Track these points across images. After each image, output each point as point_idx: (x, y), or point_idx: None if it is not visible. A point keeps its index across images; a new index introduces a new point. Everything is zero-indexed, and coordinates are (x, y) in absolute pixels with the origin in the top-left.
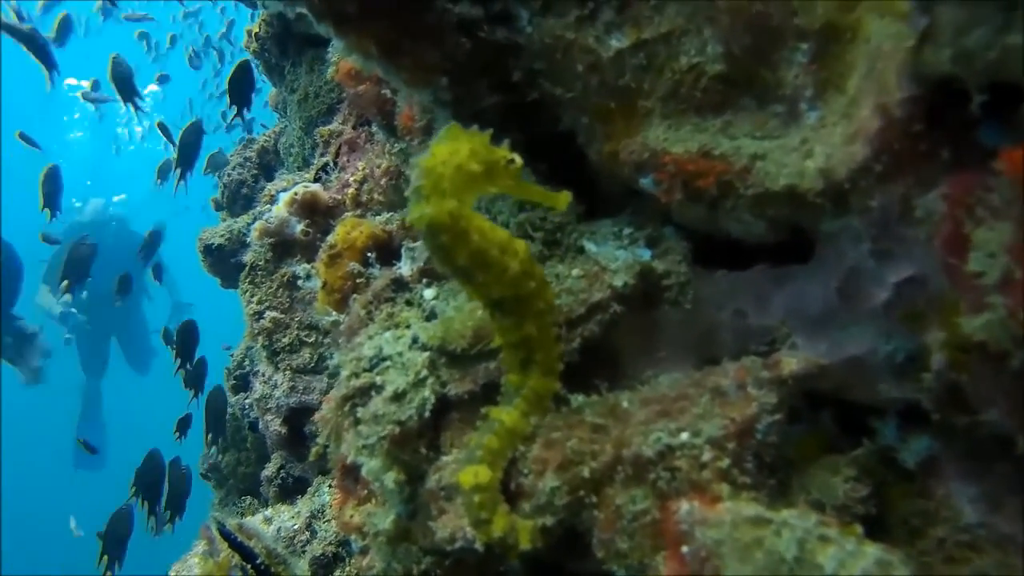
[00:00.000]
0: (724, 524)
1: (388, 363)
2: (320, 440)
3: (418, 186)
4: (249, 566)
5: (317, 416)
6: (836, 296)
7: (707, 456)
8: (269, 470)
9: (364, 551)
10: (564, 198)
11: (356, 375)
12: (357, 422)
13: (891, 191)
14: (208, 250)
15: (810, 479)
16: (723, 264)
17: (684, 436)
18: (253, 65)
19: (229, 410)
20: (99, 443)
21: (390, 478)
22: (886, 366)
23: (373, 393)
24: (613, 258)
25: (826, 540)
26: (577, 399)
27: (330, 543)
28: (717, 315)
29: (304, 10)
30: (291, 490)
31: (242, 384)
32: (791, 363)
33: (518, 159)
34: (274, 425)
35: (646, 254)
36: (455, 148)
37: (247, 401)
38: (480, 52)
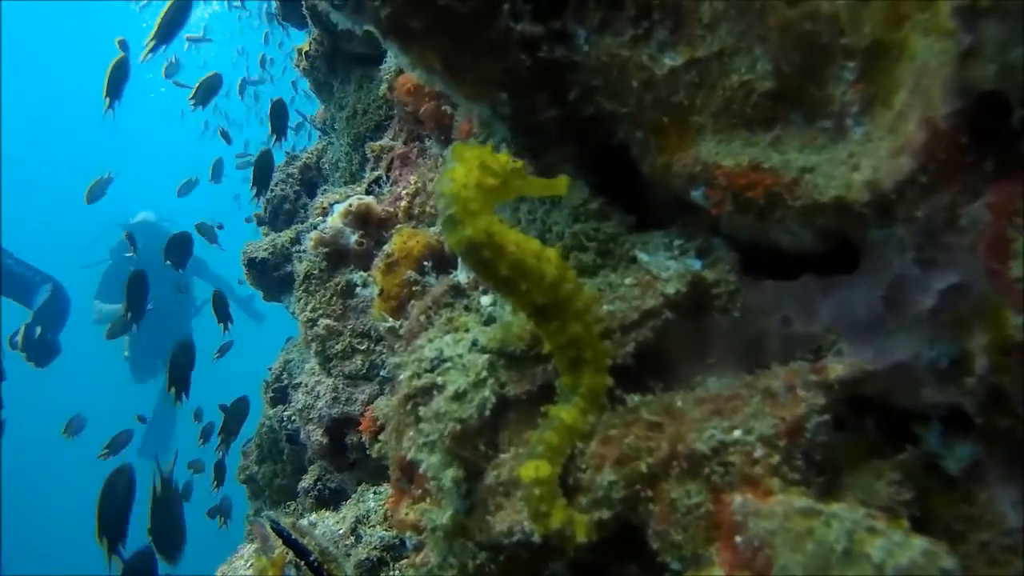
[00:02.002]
0: (776, 515)
1: (449, 364)
2: (382, 438)
3: (450, 213)
4: (303, 563)
5: (377, 412)
6: (882, 304)
7: (759, 452)
8: (307, 481)
9: (419, 547)
10: (562, 182)
11: (418, 375)
12: (418, 420)
13: (936, 201)
14: (252, 263)
15: (854, 482)
16: (771, 274)
17: (737, 433)
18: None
19: (267, 422)
20: (167, 434)
21: (450, 474)
22: (930, 371)
23: (435, 392)
24: (665, 267)
25: (874, 531)
26: (633, 399)
27: (375, 547)
28: (765, 323)
29: (371, 27)
30: (328, 501)
31: (280, 397)
32: (837, 368)
33: (518, 161)
34: (316, 435)
35: (697, 264)
36: (468, 168)
37: (286, 413)
38: (538, 68)
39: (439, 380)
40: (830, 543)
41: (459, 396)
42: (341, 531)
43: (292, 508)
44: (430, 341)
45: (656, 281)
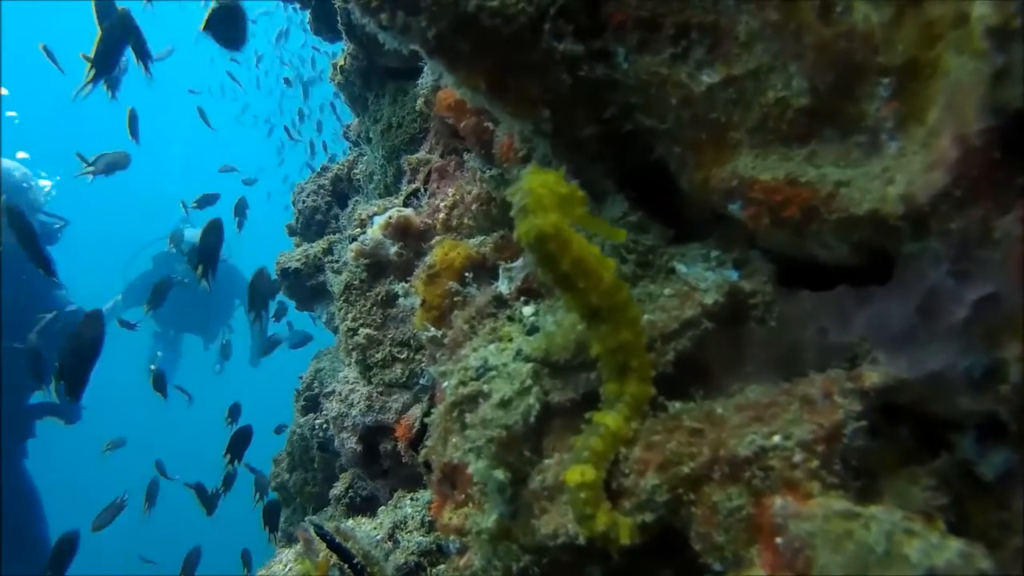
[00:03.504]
0: (816, 517)
1: (494, 373)
2: (428, 443)
3: (524, 204)
4: (347, 566)
5: (413, 419)
6: (916, 315)
7: (798, 457)
8: (338, 488)
9: (462, 551)
10: (621, 233)
11: (464, 384)
12: (464, 427)
13: (970, 215)
14: (285, 273)
15: (890, 488)
16: (806, 285)
17: (776, 439)
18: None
19: (298, 431)
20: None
21: (496, 478)
22: (964, 380)
23: (480, 400)
24: (703, 278)
25: (912, 533)
26: (675, 406)
27: (412, 552)
28: (801, 333)
29: (417, 47)
30: (359, 508)
31: (311, 406)
32: (873, 376)
33: (581, 191)
34: (350, 443)
35: (734, 275)
36: (545, 177)
37: (317, 422)
38: (579, 86)
39: (485, 388)
40: (869, 544)
41: (504, 403)
42: (379, 536)
43: (329, 515)
44: (475, 350)
45: (694, 292)
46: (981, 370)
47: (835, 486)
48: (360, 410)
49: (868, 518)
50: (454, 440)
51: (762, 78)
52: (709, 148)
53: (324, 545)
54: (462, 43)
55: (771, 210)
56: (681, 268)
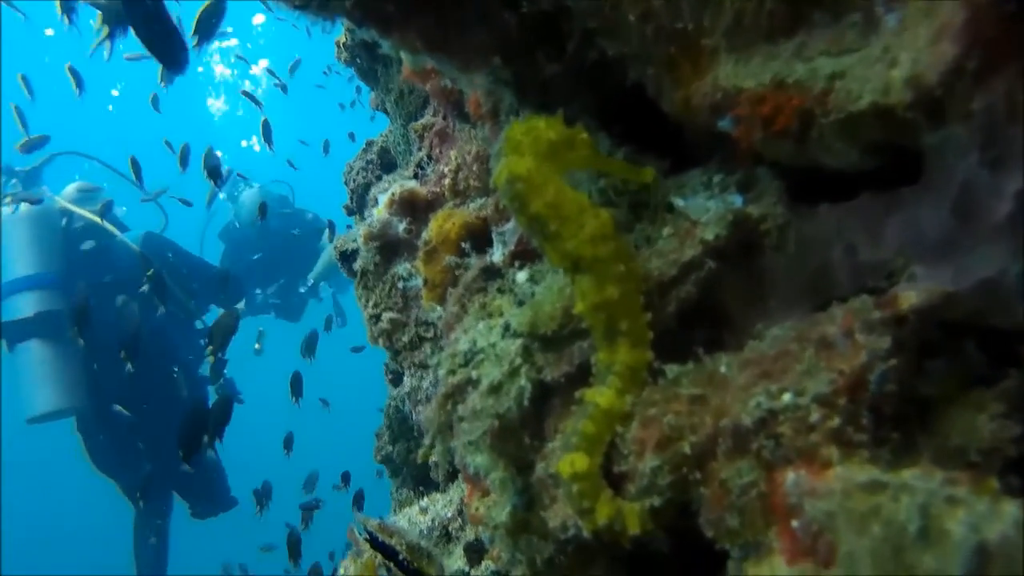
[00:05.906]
0: (835, 494)
1: (482, 355)
2: (426, 442)
3: (499, 149)
4: (392, 564)
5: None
6: (952, 216)
7: (815, 417)
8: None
9: (493, 542)
10: (648, 173)
11: (453, 372)
12: (461, 419)
13: (992, 89)
14: (344, 256)
15: (951, 421)
16: (828, 196)
17: (787, 398)
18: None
19: (392, 402)
20: None
21: (497, 473)
22: (1022, 286)
23: (470, 388)
24: (704, 210)
25: (954, 502)
26: (672, 369)
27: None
28: (827, 254)
29: (344, 19)
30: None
31: (399, 378)
32: (911, 297)
33: (585, 134)
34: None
35: (738, 200)
36: (533, 123)
37: (406, 392)
38: (529, 24)
39: (474, 374)
40: (901, 523)
41: (495, 389)
42: (449, 514)
43: (405, 496)
44: (465, 332)
45: (696, 227)
46: None
47: (864, 445)
48: (431, 381)
49: (898, 489)
50: (456, 434)
51: None
52: (683, 62)
53: (368, 545)
54: (388, 4)
55: (763, 123)
56: (679, 202)
